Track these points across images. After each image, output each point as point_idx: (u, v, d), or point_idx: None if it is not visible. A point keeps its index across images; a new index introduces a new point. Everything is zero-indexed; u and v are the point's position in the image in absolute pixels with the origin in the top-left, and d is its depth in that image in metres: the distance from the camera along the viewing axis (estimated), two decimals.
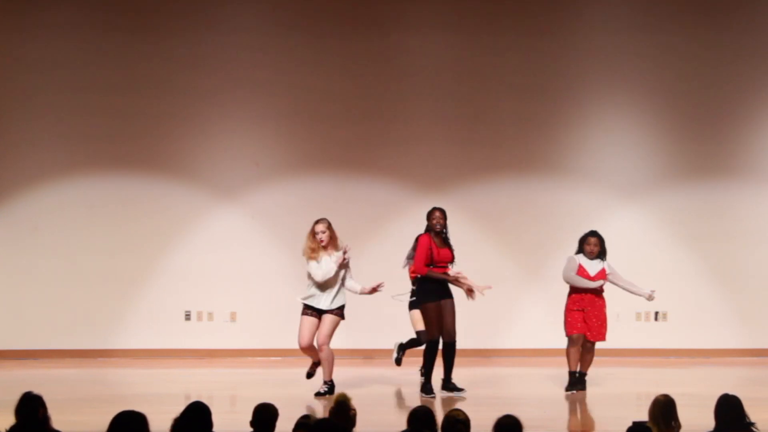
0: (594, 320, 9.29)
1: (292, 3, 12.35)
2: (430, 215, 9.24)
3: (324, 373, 9.05)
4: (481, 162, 12.25)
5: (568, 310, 9.30)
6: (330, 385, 8.99)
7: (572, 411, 8.63)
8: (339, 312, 9.06)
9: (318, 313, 9.05)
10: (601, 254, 9.38)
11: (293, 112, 12.25)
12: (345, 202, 12.11)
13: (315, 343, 9.02)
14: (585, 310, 9.27)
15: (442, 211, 9.22)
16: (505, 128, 12.26)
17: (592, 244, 9.35)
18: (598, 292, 9.31)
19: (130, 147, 12.15)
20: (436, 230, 9.15)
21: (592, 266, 9.33)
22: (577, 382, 9.32)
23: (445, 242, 9.22)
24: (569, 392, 9.20)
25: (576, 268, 9.30)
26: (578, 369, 9.33)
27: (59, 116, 12.14)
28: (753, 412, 5.49)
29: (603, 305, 9.34)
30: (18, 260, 12.13)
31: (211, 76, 12.21)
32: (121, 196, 12.16)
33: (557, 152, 12.32)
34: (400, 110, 12.25)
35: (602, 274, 9.31)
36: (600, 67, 12.31)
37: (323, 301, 9.03)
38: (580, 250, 9.40)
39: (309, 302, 9.06)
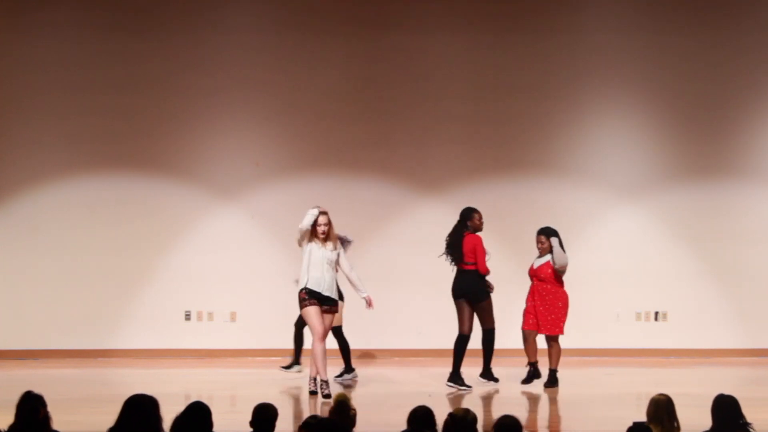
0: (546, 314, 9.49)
1: (291, 3, 12.36)
2: (475, 215, 9.55)
3: (322, 370, 8.96)
4: (481, 162, 12.25)
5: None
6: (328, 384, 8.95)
7: (573, 410, 8.64)
8: (337, 306, 9.10)
9: (318, 300, 8.96)
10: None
11: (293, 112, 12.26)
12: (345, 202, 12.10)
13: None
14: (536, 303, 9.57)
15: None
16: (505, 128, 12.26)
17: (538, 242, 9.66)
18: (548, 284, 9.48)
19: (130, 147, 12.16)
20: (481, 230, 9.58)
21: (540, 260, 9.62)
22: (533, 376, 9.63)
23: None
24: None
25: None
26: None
27: (59, 116, 12.15)
28: (752, 413, 5.49)
29: (554, 299, 9.48)
30: (18, 260, 12.13)
31: (211, 76, 12.22)
32: (121, 196, 12.17)
33: (557, 152, 12.33)
34: (400, 110, 12.25)
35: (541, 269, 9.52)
36: (600, 67, 12.31)
37: (325, 285, 8.96)
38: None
39: (311, 286, 8.95)
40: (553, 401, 9.15)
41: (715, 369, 11.28)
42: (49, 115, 12.16)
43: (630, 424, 4.93)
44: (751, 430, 5.30)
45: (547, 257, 9.56)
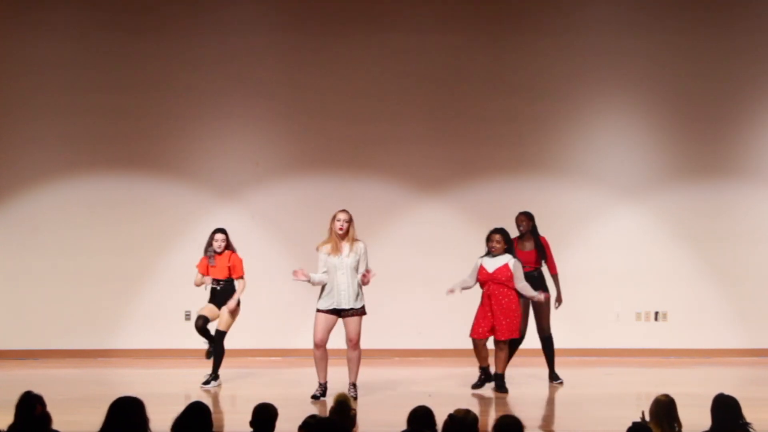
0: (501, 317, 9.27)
1: (291, 3, 12.35)
2: (516, 218, 10.01)
3: (320, 374, 8.95)
4: (481, 162, 12.25)
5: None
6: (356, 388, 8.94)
7: (573, 410, 8.64)
8: (360, 311, 8.89)
9: (336, 311, 8.87)
10: (508, 251, 9.40)
11: (293, 112, 12.26)
12: (345, 202, 12.02)
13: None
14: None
15: (524, 215, 9.96)
16: (505, 128, 12.26)
17: (494, 241, 9.38)
18: (504, 287, 9.29)
19: (131, 147, 12.16)
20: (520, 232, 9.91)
21: (494, 263, 9.34)
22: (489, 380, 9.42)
23: (531, 245, 9.93)
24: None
25: (476, 270, 9.39)
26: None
27: (59, 116, 12.15)
28: (752, 412, 5.49)
29: (509, 302, 9.28)
30: (18, 260, 12.13)
31: (211, 77, 12.21)
32: (121, 196, 12.17)
33: (557, 152, 12.32)
34: (400, 110, 12.25)
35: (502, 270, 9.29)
36: (599, 66, 12.30)
37: (341, 298, 8.82)
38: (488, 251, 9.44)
39: (323, 307, 8.84)
40: (552, 401, 9.15)
41: (715, 369, 11.28)
42: (50, 115, 12.16)
43: (630, 424, 4.93)
44: (751, 430, 5.31)
45: (503, 258, 9.31)
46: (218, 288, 9.88)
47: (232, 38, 12.24)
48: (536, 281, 9.77)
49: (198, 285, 9.98)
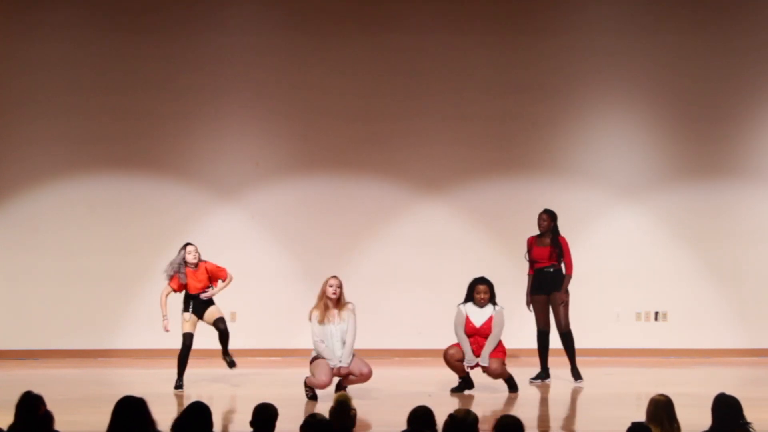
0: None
1: (291, 3, 12.36)
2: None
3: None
4: (481, 162, 12.26)
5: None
6: None
7: (574, 410, 8.64)
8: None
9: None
10: (492, 300, 9.31)
11: (293, 112, 12.26)
12: (345, 202, 12.12)
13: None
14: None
15: (546, 212, 10.01)
16: (505, 128, 12.27)
17: (482, 292, 9.26)
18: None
19: (130, 147, 12.16)
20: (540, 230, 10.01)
21: (481, 315, 9.24)
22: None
23: (548, 241, 9.96)
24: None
25: (463, 321, 9.23)
26: None
27: (59, 116, 12.15)
28: (753, 412, 5.49)
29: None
30: (18, 260, 12.13)
31: (211, 77, 12.22)
32: (121, 196, 12.18)
33: (557, 152, 12.33)
34: (400, 110, 12.25)
35: (489, 323, 9.21)
36: (599, 66, 12.31)
37: (341, 360, 8.80)
38: (469, 298, 9.33)
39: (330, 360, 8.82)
40: (553, 401, 9.15)
41: (715, 369, 11.28)
42: (50, 115, 12.16)
43: (629, 424, 4.93)
44: (751, 430, 5.31)
45: (488, 310, 9.24)
46: (199, 299, 9.71)
47: (232, 38, 12.25)
48: (552, 278, 9.92)
49: (162, 313, 9.79)
